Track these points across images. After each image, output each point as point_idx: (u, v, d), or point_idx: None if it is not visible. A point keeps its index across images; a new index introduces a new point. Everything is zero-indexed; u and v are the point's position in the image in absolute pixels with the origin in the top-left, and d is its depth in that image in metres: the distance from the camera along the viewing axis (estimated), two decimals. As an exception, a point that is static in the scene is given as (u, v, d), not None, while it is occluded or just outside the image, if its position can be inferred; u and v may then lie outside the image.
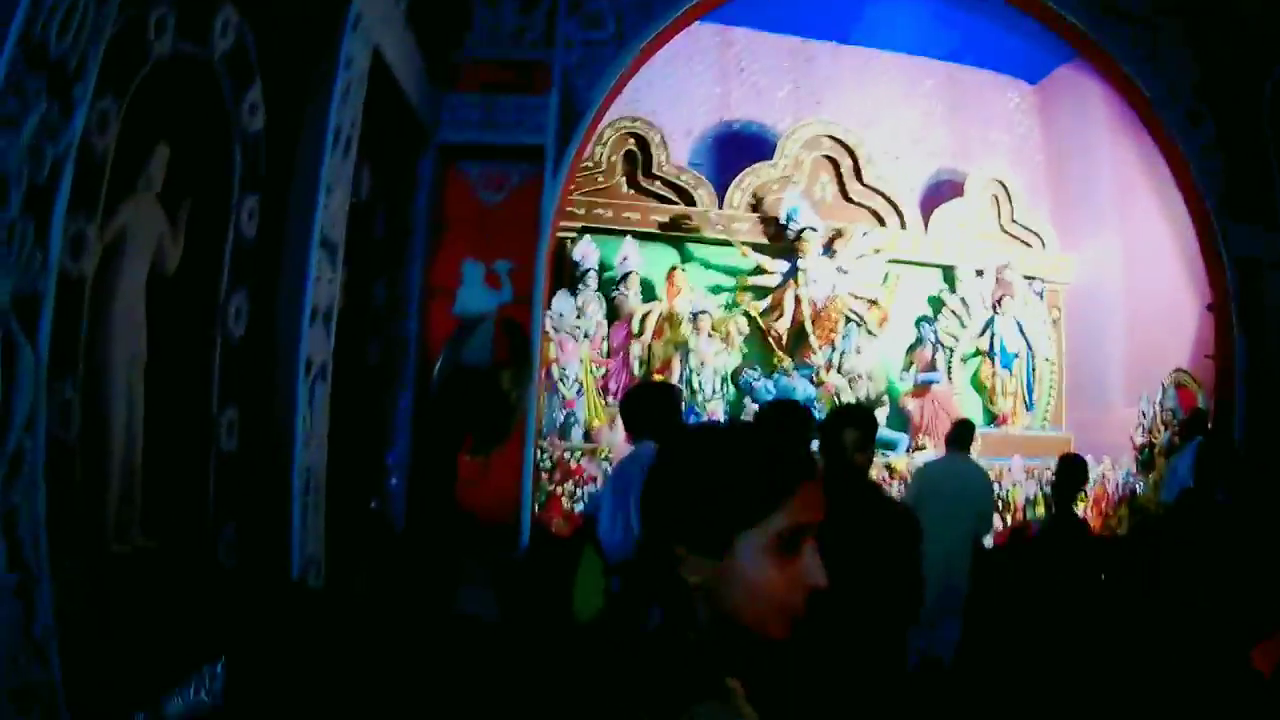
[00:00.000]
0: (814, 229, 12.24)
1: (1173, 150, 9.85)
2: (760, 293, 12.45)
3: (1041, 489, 11.21)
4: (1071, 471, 6.58)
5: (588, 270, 11.80)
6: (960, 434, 8.39)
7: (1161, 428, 10.93)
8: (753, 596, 1.48)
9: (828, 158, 12.95)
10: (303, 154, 4.59)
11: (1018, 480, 11.41)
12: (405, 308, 7.10)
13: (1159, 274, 11.85)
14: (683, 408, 6.10)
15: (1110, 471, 11.26)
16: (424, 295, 7.26)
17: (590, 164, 12.04)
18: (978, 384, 13.10)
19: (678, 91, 13.07)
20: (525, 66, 7.65)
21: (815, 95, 13.43)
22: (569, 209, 11.74)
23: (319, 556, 4.71)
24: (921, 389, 12.41)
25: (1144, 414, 11.25)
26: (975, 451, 11.84)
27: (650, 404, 5.53)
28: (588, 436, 10.99)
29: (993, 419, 12.78)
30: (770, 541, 1.48)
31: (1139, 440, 11.20)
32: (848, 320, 12.40)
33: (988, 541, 8.58)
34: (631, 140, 12.35)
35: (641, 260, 12.10)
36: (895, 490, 10.46)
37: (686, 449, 1.59)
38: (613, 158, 12.30)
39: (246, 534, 4.21)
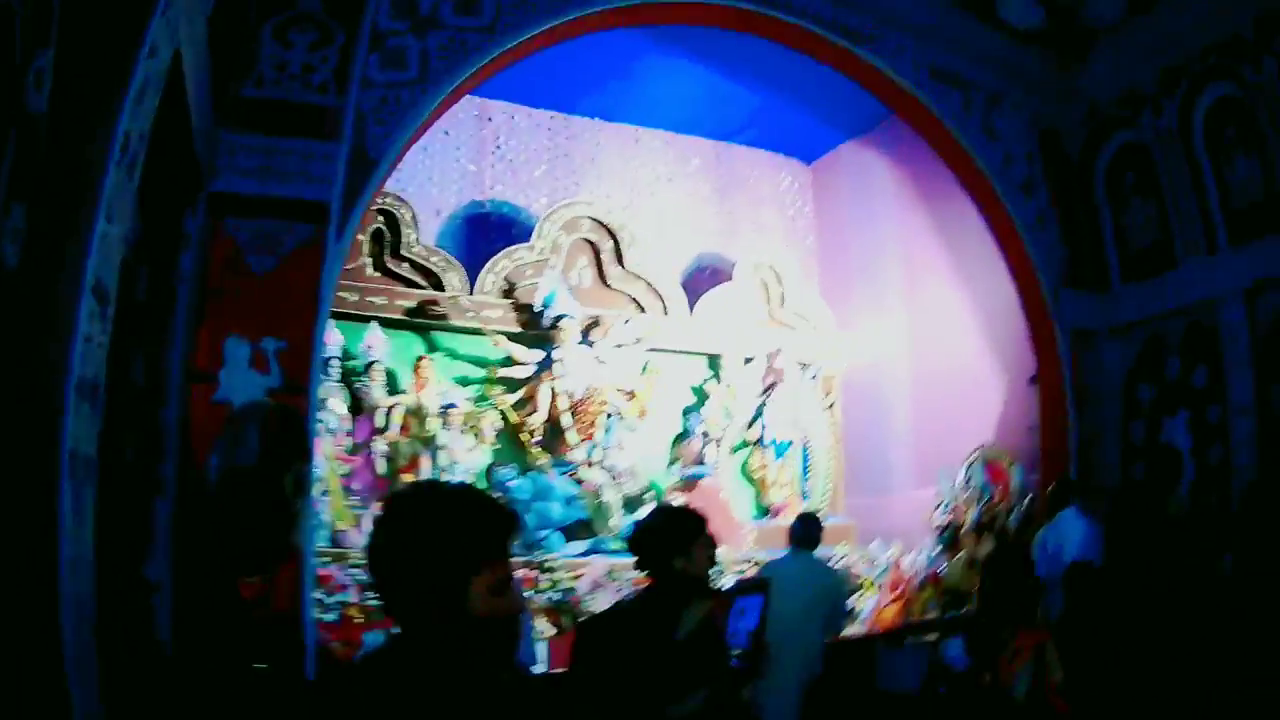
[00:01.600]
0: (570, 316, 11.42)
1: (1004, 219, 9.69)
2: (512, 385, 11.50)
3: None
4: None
5: (329, 359, 10.45)
6: (806, 530, 7.78)
7: (966, 507, 10.48)
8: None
9: (587, 240, 12.20)
10: (84, 162, 3.33)
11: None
12: (165, 393, 5.72)
13: (951, 351, 11.60)
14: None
15: (905, 556, 10.88)
16: (185, 378, 5.92)
17: (335, 243, 10.88)
18: (748, 475, 12.55)
19: (430, 168, 12.08)
20: (314, 111, 6.50)
21: (575, 175, 12.70)
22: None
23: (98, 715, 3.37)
24: (689, 484, 11.69)
25: (941, 494, 10.79)
26: (749, 545, 11.41)
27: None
28: (334, 541, 9.74)
29: (766, 511, 12.26)
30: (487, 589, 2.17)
31: (939, 521, 10.70)
32: (608, 414, 11.59)
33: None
34: (380, 218, 11.18)
35: (387, 349, 10.98)
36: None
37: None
38: (360, 237, 11.07)
39: (9, 702, 2.86)
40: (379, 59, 7.00)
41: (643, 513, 7.74)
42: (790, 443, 12.43)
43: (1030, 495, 9.99)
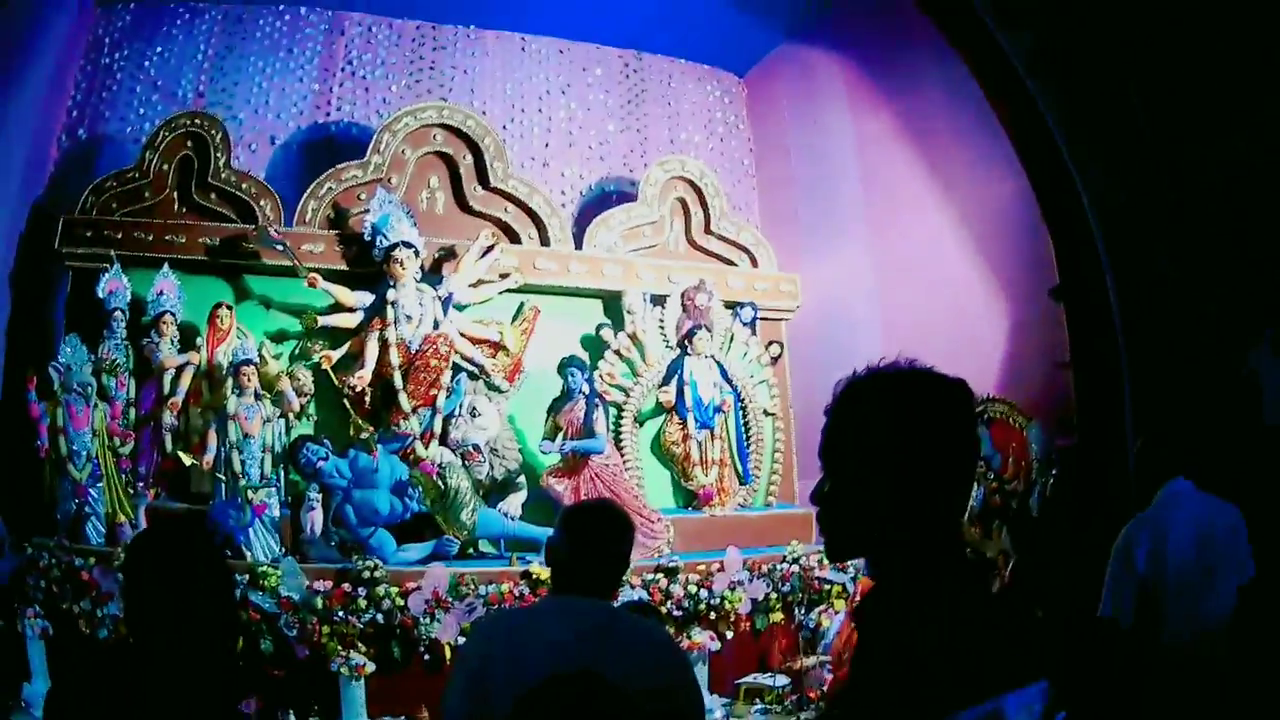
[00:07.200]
0: (409, 244, 8.64)
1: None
2: (339, 338, 8.78)
3: (776, 588, 8.12)
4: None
5: (114, 311, 8.43)
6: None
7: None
8: None
9: (440, 154, 9.48)
10: None
11: (738, 580, 7.99)
12: None
13: (931, 282, 8.65)
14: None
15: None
16: None
17: (135, 175, 8.95)
18: (662, 452, 9.33)
19: (267, 90, 9.89)
20: None
21: (443, 90, 10.13)
22: (105, 231, 8.71)
23: None
24: (575, 462, 8.48)
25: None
26: (665, 547, 8.37)
27: None
28: (110, 537, 7.66)
29: (690, 499, 9.15)
30: None
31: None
32: (455, 370, 8.69)
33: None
34: (190, 144, 9.03)
35: (181, 297, 8.63)
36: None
37: None
38: (165, 166, 9.02)
39: None
40: None
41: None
42: (718, 407, 9.15)
43: (1056, 467, 6.69)
